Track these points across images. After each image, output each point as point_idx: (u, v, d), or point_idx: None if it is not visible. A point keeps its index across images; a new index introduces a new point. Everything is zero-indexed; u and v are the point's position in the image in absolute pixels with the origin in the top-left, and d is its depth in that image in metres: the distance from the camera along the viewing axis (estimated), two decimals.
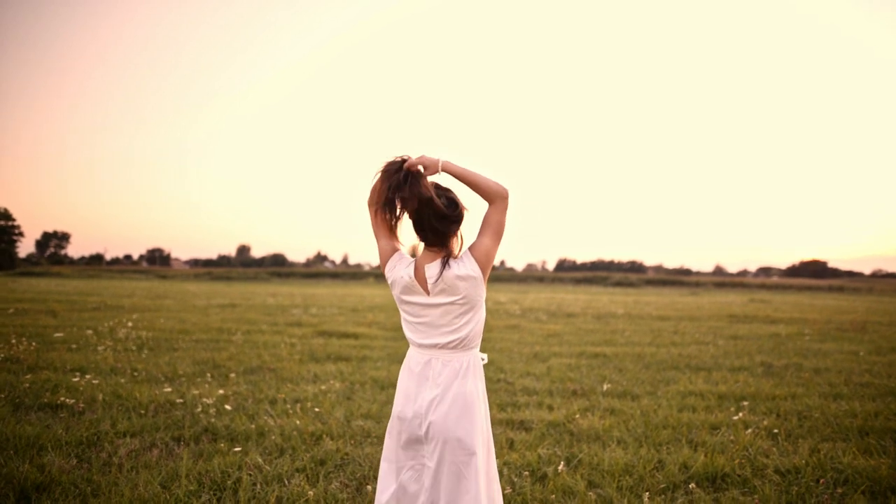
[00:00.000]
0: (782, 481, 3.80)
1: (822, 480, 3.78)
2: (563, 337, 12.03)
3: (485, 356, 2.38)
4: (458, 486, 2.19)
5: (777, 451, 4.41)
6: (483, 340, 11.30)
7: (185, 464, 3.76)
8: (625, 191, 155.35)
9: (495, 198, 2.22)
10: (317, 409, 5.34)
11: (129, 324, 11.68)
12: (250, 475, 3.67)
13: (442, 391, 2.22)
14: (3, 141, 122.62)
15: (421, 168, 2.22)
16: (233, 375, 6.88)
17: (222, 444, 4.25)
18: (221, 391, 6.00)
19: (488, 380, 7.30)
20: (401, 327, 13.13)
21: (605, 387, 6.75)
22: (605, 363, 8.74)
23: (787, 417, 5.51)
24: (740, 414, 5.35)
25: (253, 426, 4.66)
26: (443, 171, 2.22)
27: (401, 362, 8.67)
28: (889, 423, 5.20)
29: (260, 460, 3.90)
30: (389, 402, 5.89)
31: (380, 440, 4.54)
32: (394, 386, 6.78)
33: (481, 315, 2.28)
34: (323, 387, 6.41)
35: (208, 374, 6.96)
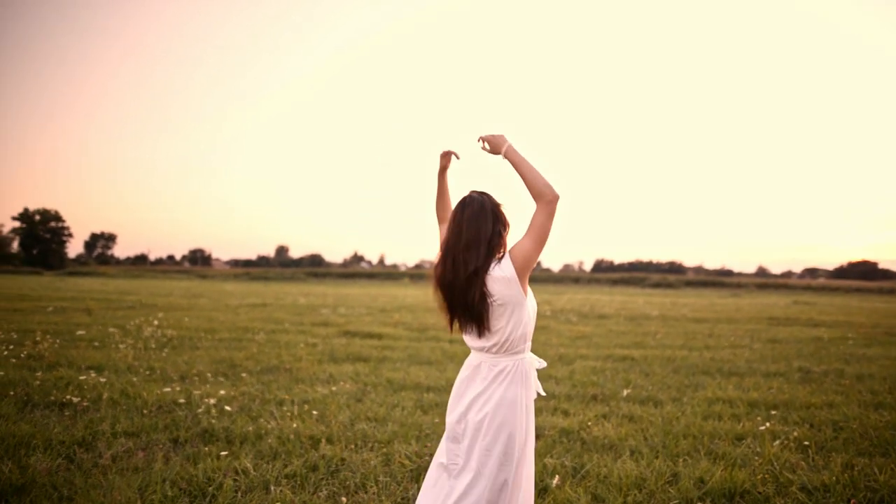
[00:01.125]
0: (808, 500, 3.48)
1: (852, 501, 3.44)
2: (592, 339, 11.69)
3: (542, 362, 2.39)
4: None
5: (806, 465, 4.07)
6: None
7: (167, 468, 3.65)
8: (664, 190, 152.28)
9: (541, 199, 2.18)
10: (322, 412, 5.21)
11: (155, 322, 11.81)
12: (235, 481, 3.54)
13: (482, 394, 2.26)
14: (55, 145, 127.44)
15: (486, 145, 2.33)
16: (245, 375, 6.82)
17: (216, 447, 4.14)
18: (231, 391, 5.93)
19: None
20: (426, 328, 12.98)
21: (625, 392, 6.44)
22: (631, 367, 8.40)
23: (821, 428, 5.13)
24: (767, 424, 5.00)
25: (251, 428, 4.55)
26: (505, 156, 2.27)
27: (421, 363, 8.50)
28: None
29: (249, 465, 3.76)
30: (399, 404, 5.72)
31: (381, 444, 4.37)
32: (408, 388, 6.61)
33: (522, 317, 2.25)
34: (334, 388, 6.28)
35: (221, 375, 6.91)
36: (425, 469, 3.83)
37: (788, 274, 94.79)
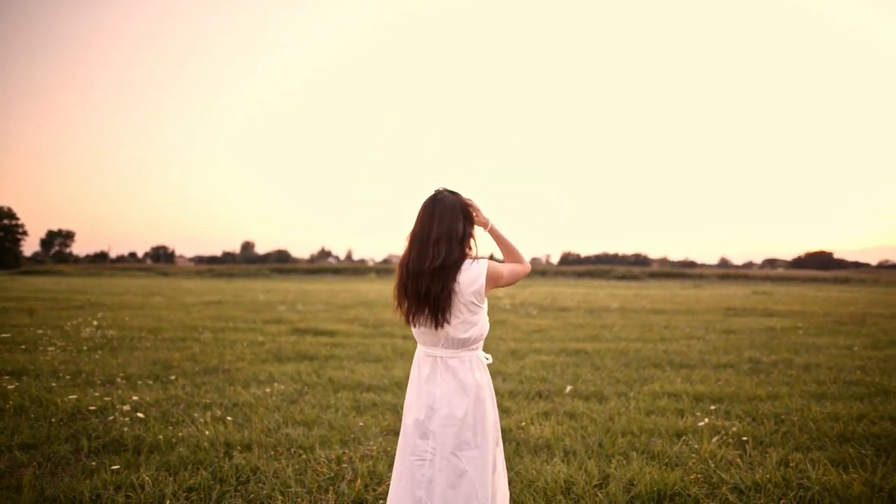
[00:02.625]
0: (738, 501, 3.34)
1: (782, 501, 3.32)
2: (549, 333, 11.57)
3: (489, 357, 2.49)
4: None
5: (742, 462, 3.95)
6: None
7: (52, 484, 3.34)
8: (630, 184, 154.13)
9: (517, 267, 2.45)
10: (248, 416, 4.92)
11: (95, 322, 11.31)
12: (128, 497, 3.25)
13: (450, 387, 2.38)
14: (6, 141, 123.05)
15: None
16: (174, 378, 6.47)
17: (121, 458, 3.83)
18: (158, 395, 5.60)
19: None
20: (382, 324, 12.72)
21: (569, 388, 6.29)
22: (583, 361, 8.28)
23: (763, 421, 5.05)
24: (706, 420, 4.88)
25: (162, 437, 4.24)
26: (488, 231, 2.44)
27: (369, 361, 8.26)
28: (872, 429, 4.73)
29: (147, 478, 3.47)
30: (335, 405, 5.46)
31: (303, 450, 4.12)
32: (349, 387, 6.36)
33: (482, 318, 2.42)
34: (268, 389, 5.99)
35: (151, 378, 6.56)
36: (343, 477, 3.60)
37: (749, 265, 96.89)
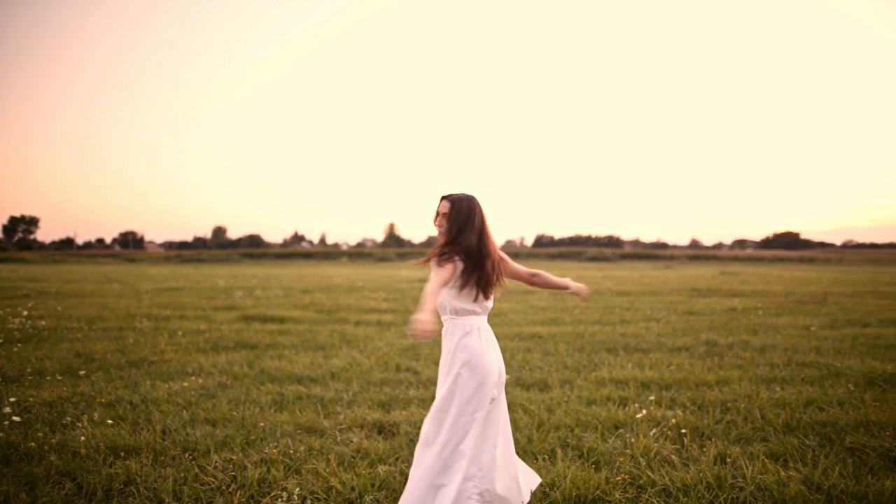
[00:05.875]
0: None
1: None
2: (508, 316, 11.27)
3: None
4: None
5: (677, 459, 3.64)
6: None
7: None
8: (604, 165, 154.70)
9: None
10: (150, 415, 4.49)
11: (25, 312, 10.69)
12: None
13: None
14: None
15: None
16: (87, 372, 5.99)
17: None
18: (62, 392, 5.14)
19: (394, 370, 6.51)
20: (338, 309, 12.29)
21: (507, 377, 5.96)
22: (536, 346, 7.97)
23: (708, 409, 4.76)
24: (644, 412, 4.56)
25: (33, 444, 3.77)
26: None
27: (312, 349, 7.84)
28: (819, 416, 4.47)
29: None
30: (255, 400, 5.06)
31: (199, 454, 3.71)
32: (280, 379, 5.96)
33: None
34: (185, 384, 5.56)
35: (64, 373, 6.07)
36: (225, 489, 3.20)
37: (719, 245, 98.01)
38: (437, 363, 6.80)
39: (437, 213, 2.82)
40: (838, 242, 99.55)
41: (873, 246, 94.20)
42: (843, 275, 27.95)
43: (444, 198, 2.83)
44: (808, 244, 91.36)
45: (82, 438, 3.77)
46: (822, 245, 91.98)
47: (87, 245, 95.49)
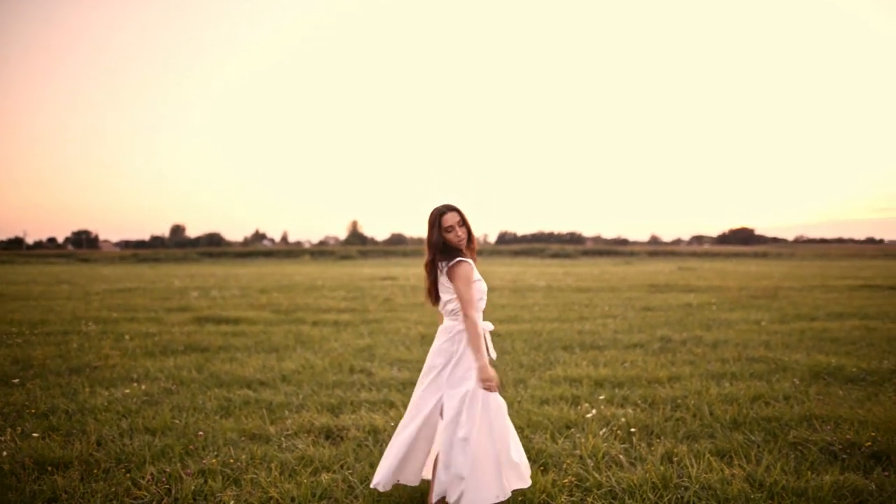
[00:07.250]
0: None
1: None
2: None
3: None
4: None
5: (625, 458, 3.64)
6: (374, 322, 10.38)
7: None
8: (566, 163, 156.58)
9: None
10: (85, 425, 4.29)
11: None
12: None
13: None
14: None
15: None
16: (16, 381, 5.70)
17: None
18: None
19: (347, 371, 6.38)
20: (296, 309, 12.08)
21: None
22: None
23: (659, 407, 4.79)
24: (594, 411, 4.56)
25: None
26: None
27: (265, 351, 7.66)
28: (765, 411, 4.54)
29: None
30: (200, 407, 4.89)
31: (134, 467, 3.55)
32: (229, 383, 5.78)
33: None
34: (127, 391, 5.34)
35: None
36: (158, 503, 3.05)
37: (678, 241, 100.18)
38: (391, 364, 6.71)
39: (450, 227, 2.82)
40: (790, 238, 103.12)
41: (823, 241, 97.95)
42: (795, 269, 28.82)
43: (448, 210, 2.85)
44: (762, 240, 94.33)
45: (4, 453, 3.57)
46: (776, 240, 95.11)
47: (38, 245, 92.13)
